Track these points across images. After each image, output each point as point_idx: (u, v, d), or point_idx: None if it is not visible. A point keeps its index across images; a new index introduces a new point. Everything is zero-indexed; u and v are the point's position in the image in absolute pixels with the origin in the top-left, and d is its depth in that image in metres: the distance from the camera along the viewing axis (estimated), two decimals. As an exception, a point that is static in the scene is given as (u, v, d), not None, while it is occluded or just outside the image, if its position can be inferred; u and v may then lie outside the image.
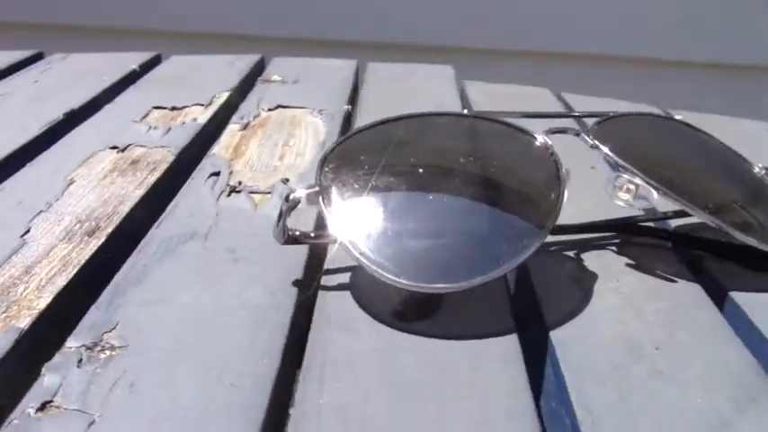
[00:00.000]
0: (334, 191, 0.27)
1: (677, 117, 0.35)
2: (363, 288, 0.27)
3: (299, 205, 0.27)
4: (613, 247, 0.32)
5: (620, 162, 0.29)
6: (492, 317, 0.26)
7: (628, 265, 0.31)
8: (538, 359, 0.25)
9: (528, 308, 0.28)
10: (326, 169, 0.27)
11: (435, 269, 0.25)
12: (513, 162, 0.29)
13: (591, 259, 0.31)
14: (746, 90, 1.08)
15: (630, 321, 0.27)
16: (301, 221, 0.32)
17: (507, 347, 0.25)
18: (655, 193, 0.29)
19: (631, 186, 0.30)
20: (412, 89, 0.55)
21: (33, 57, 0.58)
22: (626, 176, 0.29)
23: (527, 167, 0.29)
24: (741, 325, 0.27)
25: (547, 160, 0.28)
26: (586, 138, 0.30)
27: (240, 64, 0.58)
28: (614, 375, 0.24)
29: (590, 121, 0.31)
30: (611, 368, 0.24)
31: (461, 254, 0.25)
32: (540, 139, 0.29)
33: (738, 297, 0.29)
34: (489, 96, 0.56)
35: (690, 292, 0.29)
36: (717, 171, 0.33)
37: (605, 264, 0.31)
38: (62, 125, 0.44)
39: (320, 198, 0.26)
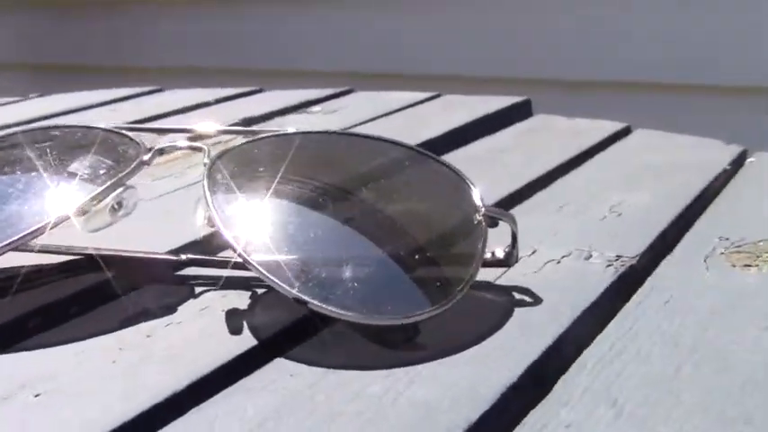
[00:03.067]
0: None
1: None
2: None
3: None
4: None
5: (204, 186, 0.25)
6: None
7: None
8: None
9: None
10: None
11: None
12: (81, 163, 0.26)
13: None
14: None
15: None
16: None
17: None
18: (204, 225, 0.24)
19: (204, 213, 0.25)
20: (425, 119, 0.50)
21: (151, 91, 0.65)
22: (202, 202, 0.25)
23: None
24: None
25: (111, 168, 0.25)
26: (205, 157, 0.26)
27: (316, 94, 0.59)
28: None
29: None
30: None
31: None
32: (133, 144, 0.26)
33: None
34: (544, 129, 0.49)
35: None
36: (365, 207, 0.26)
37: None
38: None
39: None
